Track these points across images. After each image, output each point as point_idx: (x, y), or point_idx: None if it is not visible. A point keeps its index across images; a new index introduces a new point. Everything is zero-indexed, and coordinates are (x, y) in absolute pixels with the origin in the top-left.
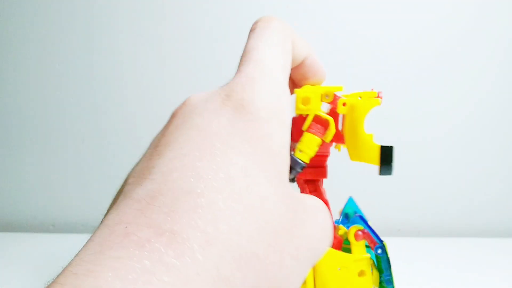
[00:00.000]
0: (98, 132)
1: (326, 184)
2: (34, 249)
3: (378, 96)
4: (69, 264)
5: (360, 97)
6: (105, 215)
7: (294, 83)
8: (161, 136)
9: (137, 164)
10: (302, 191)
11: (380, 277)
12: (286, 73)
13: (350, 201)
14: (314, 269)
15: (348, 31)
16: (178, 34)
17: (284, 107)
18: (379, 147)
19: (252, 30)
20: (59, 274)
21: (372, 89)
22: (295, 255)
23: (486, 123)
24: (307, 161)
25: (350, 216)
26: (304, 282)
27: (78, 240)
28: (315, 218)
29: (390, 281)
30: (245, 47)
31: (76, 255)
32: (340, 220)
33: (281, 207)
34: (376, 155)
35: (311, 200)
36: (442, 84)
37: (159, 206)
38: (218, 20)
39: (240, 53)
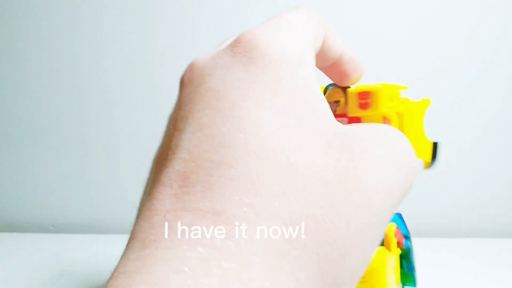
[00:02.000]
0: (98, 133)
1: None
2: (34, 249)
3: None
4: (117, 266)
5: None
6: (139, 208)
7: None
8: (177, 110)
9: (159, 147)
10: None
11: (405, 267)
12: (309, 36)
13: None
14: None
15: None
16: (179, 35)
17: (305, 52)
18: (432, 143)
19: None
20: (109, 278)
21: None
22: (365, 203)
23: (488, 124)
24: None
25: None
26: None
27: (78, 240)
28: (381, 148)
29: (413, 268)
30: None
31: (122, 256)
32: None
33: (330, 152)
34: (430, 151)
35: (371, 129)
36: (449, 84)
37: (193, 186)
38: (215, 20)
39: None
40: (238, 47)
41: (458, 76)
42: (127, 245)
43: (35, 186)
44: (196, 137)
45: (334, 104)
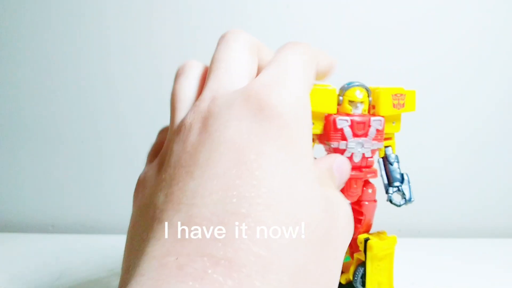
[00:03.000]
0: (98, 133)
1: None
2: (34, 249)
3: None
4: None
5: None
6: (131, 240)
7: None
8: (185, 153)
9: (162, 187)
10: None
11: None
12: (307, 83)
13: None
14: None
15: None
16: (180, 35)
17: (307, 109)
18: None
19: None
20: None
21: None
22: (335, 256)
23: (488, 123)
24: None
25: None
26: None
27: (78, 240)
28: (341, 212)
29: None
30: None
31: None
32: None
33: (321, 211)
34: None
35: (333, 193)
36: (443, 84)
37: (206, 232)
38: (216, 22)
39: None
40: (251, 103)
41: (460, 75)
42: (135, 279)
43: (35, 186)
44: (210, 185)
45: (356, 104)
